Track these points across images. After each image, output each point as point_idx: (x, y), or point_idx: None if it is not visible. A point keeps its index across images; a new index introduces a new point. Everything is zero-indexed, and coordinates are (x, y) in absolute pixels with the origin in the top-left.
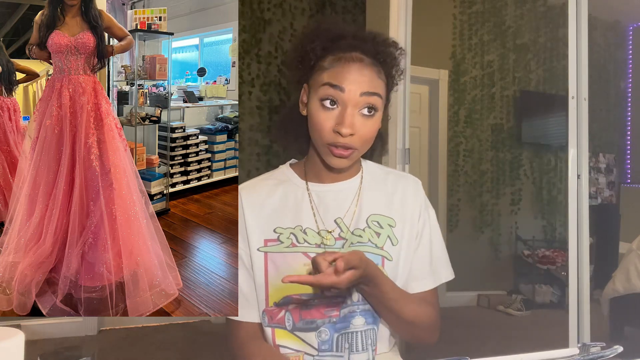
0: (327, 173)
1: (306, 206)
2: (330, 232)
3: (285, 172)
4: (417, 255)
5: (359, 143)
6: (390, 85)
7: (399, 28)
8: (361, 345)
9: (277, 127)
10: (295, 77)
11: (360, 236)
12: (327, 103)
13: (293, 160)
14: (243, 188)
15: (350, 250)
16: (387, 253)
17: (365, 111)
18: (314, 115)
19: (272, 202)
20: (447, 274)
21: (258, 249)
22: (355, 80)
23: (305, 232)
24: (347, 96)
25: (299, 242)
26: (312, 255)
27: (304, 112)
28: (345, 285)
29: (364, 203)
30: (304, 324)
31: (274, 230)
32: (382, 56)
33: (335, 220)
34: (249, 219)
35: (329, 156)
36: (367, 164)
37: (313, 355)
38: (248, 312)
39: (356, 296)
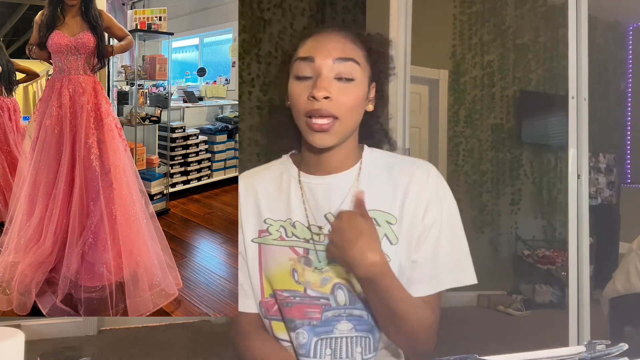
0: (318, 165)
1: (297, 198)
2: (320, 227)
3: (284, 162)
4: (420, 256)
5: (338, 110)
6: (376, 62)
7: (399, 28)
8: (345, 352)
9: (269, 129)
10: (284, 78)
11: None
12: (300, 77)
13: (295, 150)
14: (243, 176)
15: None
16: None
17: (341, 77)
18: (290, 91)
19: (268, 192)
20: (452, 279)
21: (252, 240)
22: (325, 48)
23: (294, 226)
24: (317, 65)
25: (287, 236)
26: (300, 250)
27: (288, 103)
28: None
29: None
30: (286, 322)
31: (265, 221)
32: (360, 35)
33: (325, 216)
34: (244, 207)
35: (309, 133)
36: (371, 154)
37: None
38: (244, 302)
39: (342, 299)
